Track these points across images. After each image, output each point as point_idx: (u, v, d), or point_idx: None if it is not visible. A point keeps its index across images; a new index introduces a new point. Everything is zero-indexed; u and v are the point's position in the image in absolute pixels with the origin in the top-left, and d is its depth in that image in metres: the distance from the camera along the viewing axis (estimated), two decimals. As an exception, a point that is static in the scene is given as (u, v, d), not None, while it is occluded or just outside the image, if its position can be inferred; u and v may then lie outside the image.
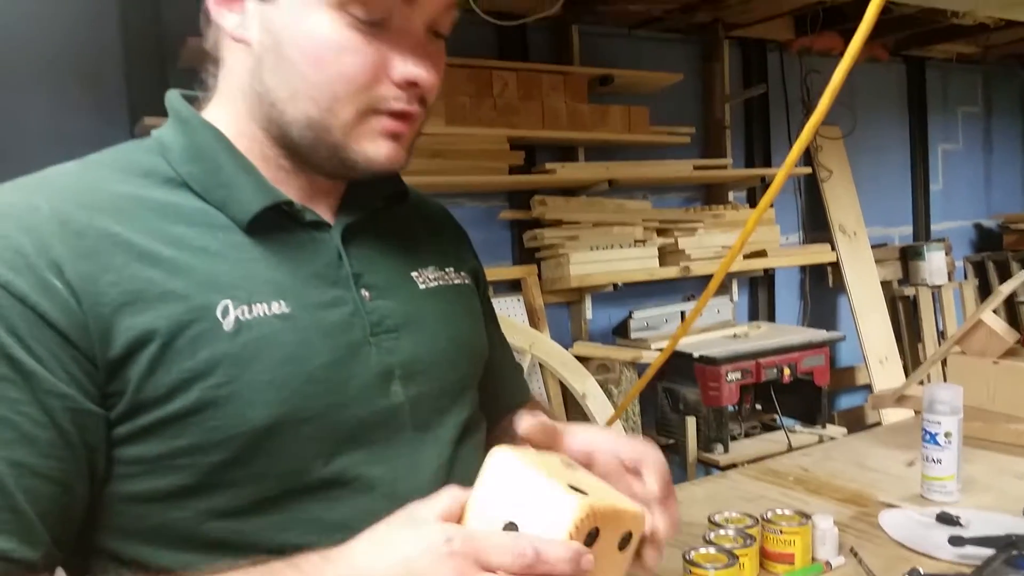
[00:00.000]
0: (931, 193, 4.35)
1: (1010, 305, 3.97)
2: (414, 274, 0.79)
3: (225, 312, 0.64)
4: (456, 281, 0.84)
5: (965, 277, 4.22)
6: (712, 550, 1.11)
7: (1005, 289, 1.91)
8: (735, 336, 3.14)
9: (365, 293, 0.72)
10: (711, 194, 3.56)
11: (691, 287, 3.42)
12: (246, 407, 0.63)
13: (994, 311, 1.80)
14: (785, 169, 0.86)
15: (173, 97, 0.73)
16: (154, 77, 2.41)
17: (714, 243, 3.19)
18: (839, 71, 0.75)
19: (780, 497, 1.56)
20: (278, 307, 0.66)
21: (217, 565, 0.61)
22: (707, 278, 3.46)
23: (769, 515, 1.23)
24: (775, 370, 2.96)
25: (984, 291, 4.09)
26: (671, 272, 3.10)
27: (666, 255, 3.15)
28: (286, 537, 0.65)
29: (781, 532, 1.19)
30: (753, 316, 3.69)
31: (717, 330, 3.20)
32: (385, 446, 0.71)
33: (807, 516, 1.22)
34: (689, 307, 3.24)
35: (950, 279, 4.03)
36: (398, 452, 0.71)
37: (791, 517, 1.23)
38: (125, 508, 0.64)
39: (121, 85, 2.42)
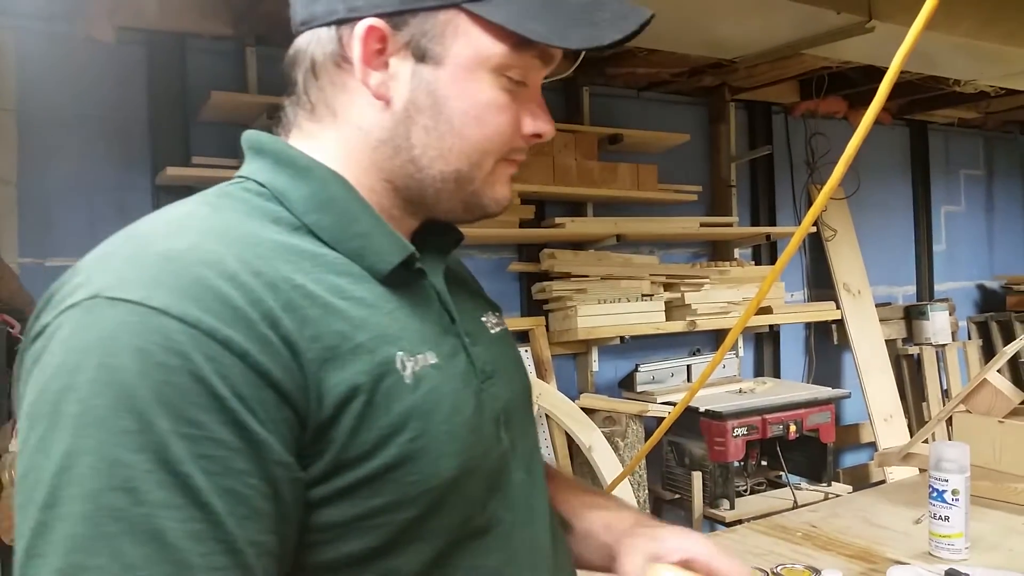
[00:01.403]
0: (934, 253, 4.40)
1: (1014, 365, 3.99)
2: (483, 319, 0.79)
3: (403, 365, 0.61)
4: (504, 326, 0.84)
5: (969, 337, 4.24)
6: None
7: (1010, 349, 1.94)
8: (741, 391, 3.16)
9: (467, 340, 0.71)
10: (717, 251, 3.61)
11: (697, 341, 3.45)
12: (439, 459, 0.62)
13: (999, 371, 1.83)
14: (801, 231, 0.90)
15: (278, 142, 0.69)
16: (177, 130, 2.49)
17: (720, 298, 3.23)
18: (853, 141, 0.79)
19: (789, 552, 1.57)
20: (432, 358, 0.64)
21: None
22: (713, 333, 3.49)
23: (779, 569, 1.24)
24: (781, 426, 2.97)
25: (988, 351, 4.11)
26: (677, 326, 3.14)
27: (672, 309, 3.19)
28: None
29: (791, 586, 1.20)
30: (759, 372, 3.71)
31: (723, 385, 3.22)
32: (509, 490, 0.71)
33: (817, 571, 1.24)
34: (695, 361, 3.26)
35: (954, 339, 4.05)
36: (517, 495, 0.72)
37: (801, 572, 1.24)
38: None
39: (146, 137, 2.49)
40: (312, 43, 0.67)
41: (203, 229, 0.60)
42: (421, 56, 0.64)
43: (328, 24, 0.65)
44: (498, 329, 0.80)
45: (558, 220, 3.03)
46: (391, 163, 0.67)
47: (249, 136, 0.69)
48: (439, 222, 0.75)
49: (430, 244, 0.73)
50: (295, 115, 0.70)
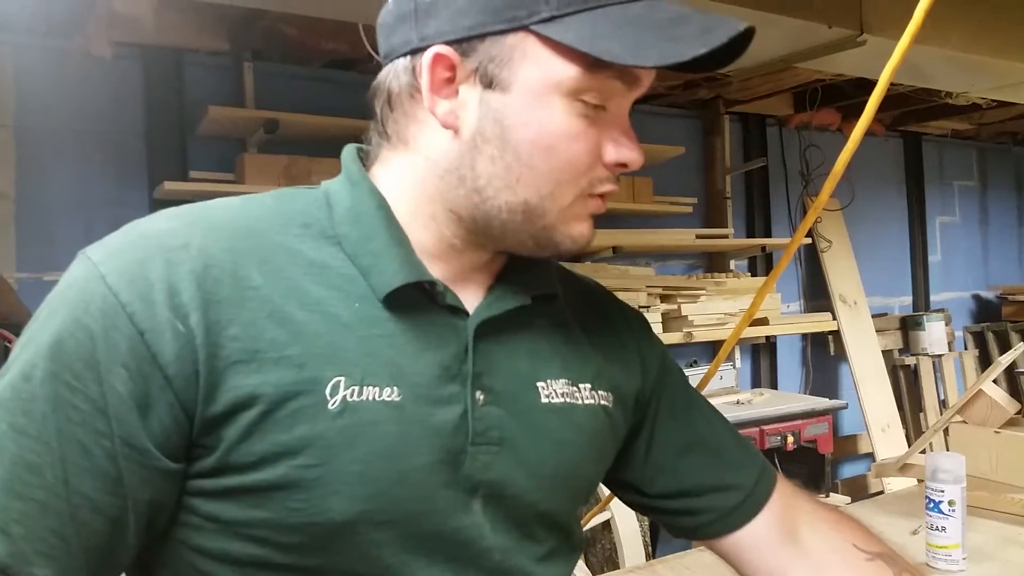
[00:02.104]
0: (930, 264, 4.42)
1: (1011, 375, 4.00)
2: (540, 384, 0.70)
3: (335, 389, 0.60)
4: (588, 401, 0.73)
5: (965, 347, 4.25)
6: (721, 613, 1.12)
7: (1005, 360, 1.94)
8: (738, 403, 3.16)
9: (480, 396, 0.65)
10: (713, 262, 3.62)
11: (694, 353, 3.45)
12: (330, 496, 0.59)
13: (995, 381, 1.84)
14: (794, 243, 0.91)
15: (349, 154, 0.70)
16: (174, 144, 2.50)
17: (717, 310, 3.23)
18: (844, 152, 0.80)
19: (786, 564, 1.57)
20: (389, 393, 0.61)
21: None
22: (709, 344, 3.50)
23: (776, 580, 1.24)
24: (779, 438, 2.97)
25: (984, 361, 4.12)
26: (674, 338, 3.14)
27: (669, 321, 3.19)
28: None
29: (789, 597, 1.20)
30: (755, 383, 3.72)
31: (720, 396, 3.22)
32: (465, 567, 0.65)
33: (814, 582, 1.23)
34: (692, 373, 3.27)
35: (950, 349, 4.06)
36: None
37: (798, 582, 1.24)
38: (192, 558, 0.62)
39: (143, 152, 2.49)
40: (390, 75, 0.66)
41: (205, 219, 0.64)
42: (489, 83, 0.61)
43: (404, 55, 0.64)
44: (559, 400, 0.71)
45: (554, 232, 3.04)
46: (455, 192, 0.65)
47: (345, 148, 0.71)
48: (534, 270, 0.72)
49: (510, 291, 0.70)
50: (378, 145, 0.70)
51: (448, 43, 0.61)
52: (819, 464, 3.13)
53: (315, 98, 2.71)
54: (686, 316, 3.15)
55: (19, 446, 0.54)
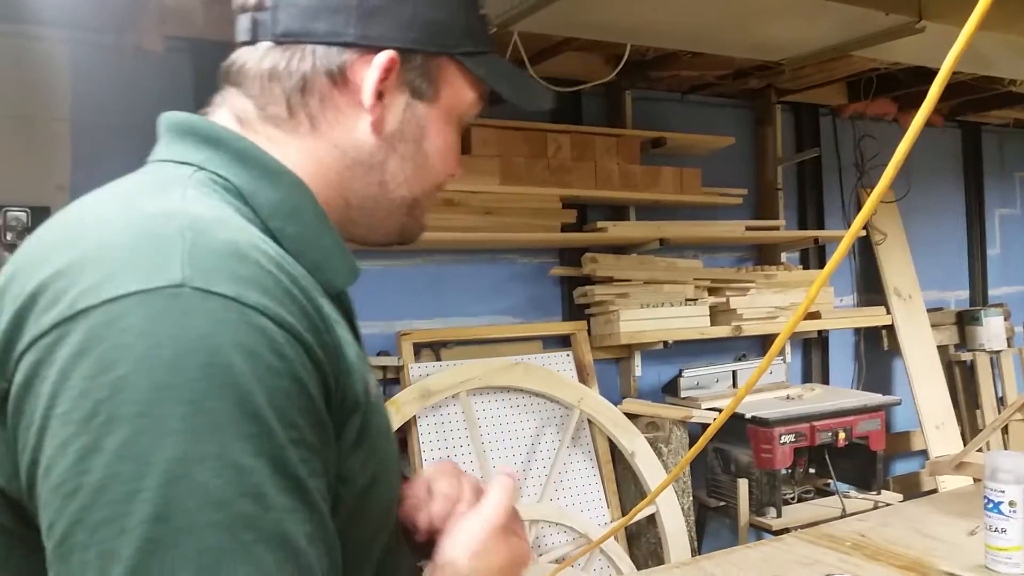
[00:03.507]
0: (988, 257, 4.29)
1: (1073, 373, 3.87)
2: None
3: (369, 385, 0.62)
4: None
5: (1025, 343, 4.12)
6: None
7: (1068, 356, 1.88)
8: (788, 398, 3.11)
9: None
10: (763, 255, 3.56)
11: (742, 347, 3.41)
12: (392, 479, 0.65)
13: (1057, 378, 1.77)
14: (850, 236, 0.88)
15: (242, 139, 0.65)
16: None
17: (766, 303, 3.18)
18: (903, 144, 0.77)
19: (837, 563, 1.54)
20: (374, 384, 0.65)
21: None
22: (759, 339, 3.45)
23: (827, 580, 1.22)
24: (830, 434, 2.91)
25: (1046, 358, 4.00)
26: (722, 331, 3.10)
27: (717, 314, 3.15)
28: None
29: (839, 597, 1.18)
30: (807, 378, 3.65)
31: (770, 391, 3.17)
32: (396, 535, 0.72)
33: (866, 582, 1.21)
34: (741, 367, 3.22)
35: (1009, 344, 3.94)
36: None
37: (850, 583, 1.21)
38: None
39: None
40: (301, 58, 0.66)
41: (225, 217, 0.58)
42: (416, 92, 0.68)
43: (332, 44, 0.65)
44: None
45: (600, 224, 3.02)
46: (359, 183, 0.69)
47: (192, 121, 0.66)
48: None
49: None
50: (249, 116, 0.67)
51: (396, 49, 0.66)
52: (871, 461, 3.07)
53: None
54: (735, 309, 3.11)
55: (296, 523, 0.49)
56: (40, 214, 2.32)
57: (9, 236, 2.24)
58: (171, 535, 0.43)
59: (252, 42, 0.68)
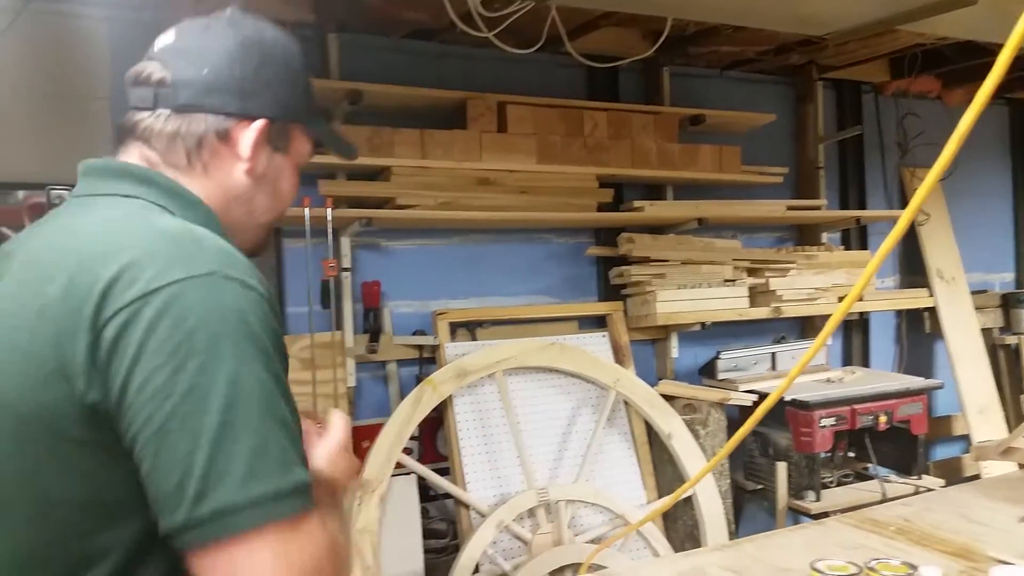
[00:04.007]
0: (1035, 239, 4.19)
1: (1123, 357, 3.77)
2: None
3: None
4: None
5: (1073, 327, 4.02)
6: (817, 596, 1.08)
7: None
8: (829, 381, 3.06)
9: None
10: (803, 235, 3.50)
11: (781, 328, 3.36)
12: None
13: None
14: (905, 219, 0.85)
15: (167, 178, 0.89)
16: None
17: (807, 284, 3.13)
18: (964, 122, 0.74)
19: (881, 547, 1.51)
20: None
21: None
22: (798, 320, 3.40)
23: (874, 564, 1.20)
24: (871, 417, 2.87)
25: (1094, 342, 3.90)
26: (762, 313, 3.06)
27: (756, 295, 3.11)
28: None
29: (887, 582, 1.16)
30: (847, 360, 3.60)
31: (810, 374, 3.12)
32: None
33: (914, 567, 1.19)
34: (779, 349, 3.18)
35: (1056, 328, 3.85)
36: None
37: (898, 568, 1.19)
38: None
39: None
40: (197, 123, 0.90)
41: (206, 232, 0.83)
42: (276, 147, 0.95)
43: (218, 113, 0.90)
44: None
45: (637, 203, 2.99)
46: (235, 211, 0.94)
47: (128, 167, 0.90)
48: None
49: None
50: (156, 163, 0.90)
51: (267, 119, 0.92)
52: (912, 445, 3.02)
53: (397, 68, 2.72)
54: (774, 291, 3.06)
55: (286, 411, 0.76)
56: (81, 193, 2.34)
57: (51, 215, 2.27)
58: (234, 416, 0.71)
59: (152, 108, 0.90)
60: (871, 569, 1.18)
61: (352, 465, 0.94)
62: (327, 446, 0.91)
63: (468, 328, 2.85)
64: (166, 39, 0.94)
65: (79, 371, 0.72)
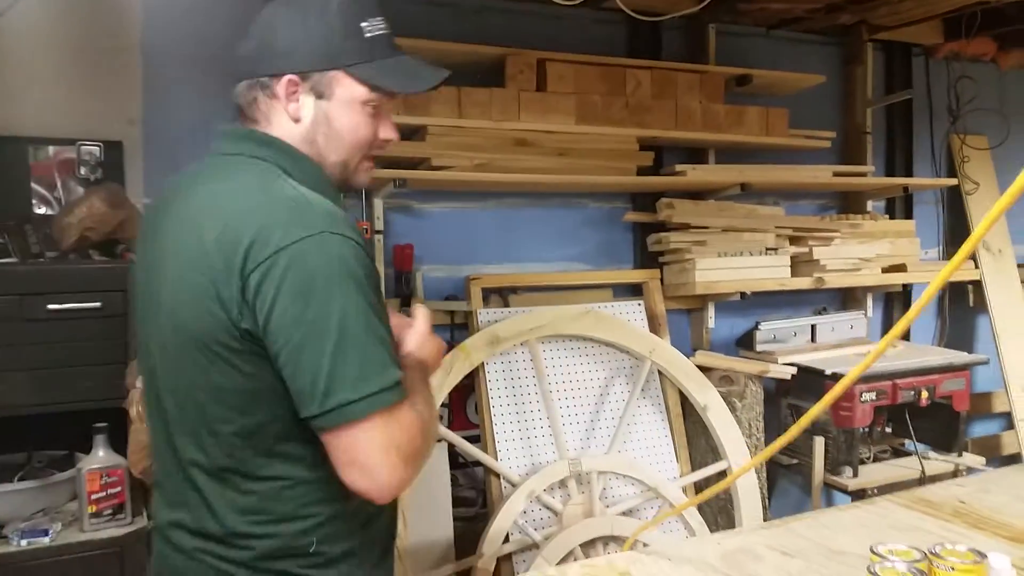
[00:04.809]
0: (1088, 211, 4.04)
1: None
2: None
3: None
4: None
5: (1123, 302, 3.88)
6: (884, 585, 1.02)
7: None
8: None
9: None
10: (848, 203, 3.39)
11: (823, 300, 3.27)
12: None
13: None
14: (996, 209, 0.78)
15: (277, 139, 1.14)
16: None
17: (851, 254, 3.03)
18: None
19: (938, 530, 1.44)
20: None
21: None
22: (841, 291, 3.31)
23: (938, 550, 1.13)
24: (912, 392, 2.79)
25: None
26: (803, 283, 2.97)
27: (798, 265, 3.01)
28: None
29: (953, 570, 1.10)
30: (887, 333, 3.50)
31: (850, 347, 3.04)
32: None
33: (982, 555, 1.12)
34: (820, 321, 3.09)
35: (1106, 304, 3.72)
36: None
37: (964, 554, 1.12)
38: None
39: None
40: (254, 86, 1.13)
41: (314, 196, 1.07)
42: (319, 95, 1.13)
43: (263, 75, 1.12)
44: None
45: (678, 167, 2.89)
46: (308, 151, 1.14)
47: (251, 132, 1.15)
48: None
49: None
50: (246, 122, 1.16)
51: (294, 73, 1.11)
52: (953, 421, 2.95)
53: (436, 22, 2.63)
54: (818, 260, 2.96)
55: (384, 332, 1.03)
56: (112, 149, 2.28)
57: (83, 170, 2.21)
58: (348, 336, 0.98)
59: (238, 81, 1.15)
60: (936, 555, 1.12)
61: (437, 346, 1.22)
62: (415, 334, 1.19)
63: (501, 294, 2.79)
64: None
65: (233, 304, 0.99)
